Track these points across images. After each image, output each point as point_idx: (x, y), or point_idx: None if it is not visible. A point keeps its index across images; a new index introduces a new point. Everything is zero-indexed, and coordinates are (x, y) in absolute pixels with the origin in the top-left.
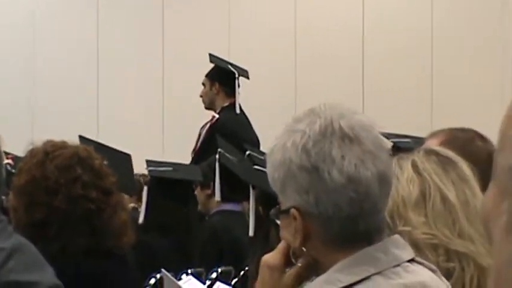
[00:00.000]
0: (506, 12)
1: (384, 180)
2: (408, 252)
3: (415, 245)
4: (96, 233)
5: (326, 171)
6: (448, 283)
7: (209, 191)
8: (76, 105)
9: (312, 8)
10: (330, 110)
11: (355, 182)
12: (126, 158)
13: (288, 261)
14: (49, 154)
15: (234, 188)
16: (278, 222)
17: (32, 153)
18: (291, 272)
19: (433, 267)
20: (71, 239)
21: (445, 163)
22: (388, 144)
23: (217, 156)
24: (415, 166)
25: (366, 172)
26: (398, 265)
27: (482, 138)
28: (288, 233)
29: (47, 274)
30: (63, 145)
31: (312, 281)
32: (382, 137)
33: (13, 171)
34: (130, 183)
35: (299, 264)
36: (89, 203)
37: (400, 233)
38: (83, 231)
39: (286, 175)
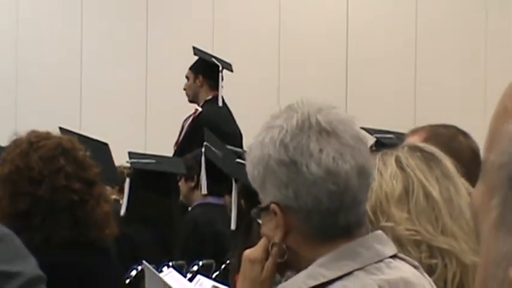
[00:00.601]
0: (490, 16)
1: (363, 173)
2: (391, 248)
3: (398, 241)
4: (79, 225)
5: (304, 165)
6: (430, 279)
7: (192, 184)
8: (59, 97)
9: (297, 2)
10: (308, 106)
11: (334, 174)
12: (105, 148)
13: (267, 255)
14: (33, 144)
15: (217, 181)
16: (260, 221)
17: (16, 143)
18: (267, 265)
19: (416, 263)
20: (54, 230)
21: (429, 159)
22: (367, 138)
23: (203, 149)
24: (398, 162)
25: (345, 165)
26: (380, 261)
27: (464, 134)
28: (269, 229)
29: (30, 265)
30: (47, 136)
31: (292, 275)
32: (360, 130)
33: None
34: (112, 174)
35: (274, 256)
36: (72, 194)
37: (383, 229)
38: (66, 222)
39: (265, 171)
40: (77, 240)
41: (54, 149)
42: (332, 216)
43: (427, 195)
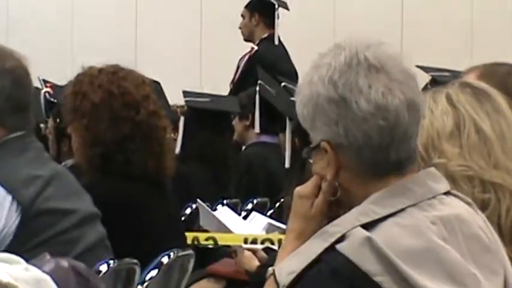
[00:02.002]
0: None
1: (413, 108)
2: (444, 185)
3: (451, 177)
4: (162, 152)
5: (354, 101)
6: (483, 216)
7: (247, 122)
8: (114, 37)
9: None
10: (356, 43)
11: (384, 110)
12: (157, 86)
13: (319, 192)
14: (118, 72)
15: (272, 120)
16: (311, 160)
17: (85, 75)
18: (317, 202)
19: (469, 200)
20: (145, 158)
21: (479, 95)
22: (416, 73)
23: (257, 88)
24: (449, 98)
25: (394, 100)
26: (433, 197)
27: None
28: (320, 168)
29: (85, 202)
30: (120, 67)
31: (343, 214)
32: (410, 66)
33: (52, 100)
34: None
35: (326, 194)
36: (161, 120)
37: (435, 166)
38: (154, 150)
39: (315, 109)
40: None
41: (138, 77)
42: (383, 152)
43: (479, 130)
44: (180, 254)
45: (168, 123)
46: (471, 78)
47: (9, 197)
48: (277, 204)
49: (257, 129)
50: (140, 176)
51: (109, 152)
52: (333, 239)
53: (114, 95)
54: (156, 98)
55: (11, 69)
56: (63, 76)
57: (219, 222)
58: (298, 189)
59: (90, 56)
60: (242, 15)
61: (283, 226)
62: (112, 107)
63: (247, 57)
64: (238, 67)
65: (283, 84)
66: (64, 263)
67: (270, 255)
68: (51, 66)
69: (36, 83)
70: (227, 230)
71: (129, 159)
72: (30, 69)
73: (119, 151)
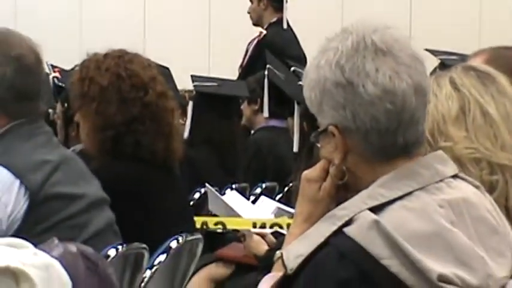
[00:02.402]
0: None
1: (420, 91)
2: (451, 168)
3: (458, 160)
4: (170, 134)
5: (361, 85)
6: (491, 199)
7: (256, 107)
8: (122, 20)
9: None
10: (363, 27)
11: (391, 93)
12: (166, 72)
13: (327, 176)
14: (123, 56)
15: (280, 104)
16: (319, 145)
17: (95, 59)
18: (325, 185)
19: (477, 183)
20: (154, 140)
21: (483, 78)
22: (423, 57)
23: (265, 72)
24: (453, 82)
25: (401, 83)
26: (441, 180)
27: None
28: (328, 152)
29: (93, 187)
30: (125, 51)
31: (351, 197)
32: (417, 49)
33: (60, 84)
34: (176, 96)
35: (333, 177)
36: (169, 101)
37: (442, 149)
38: (163, 131)
39: (322, 93)
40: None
41: (144, 59)
42: (390, 136)
43: (484, 112)
44: (188, 238)
45: (175, 105)
46: (478, 62)
47: (17, 182)
48: (286, 189)
49: (266, 113)
50: (150, 159)
51: (119, 134)
52: (340, 223)
53: (122, 77)
54: (163, 80)
55: (17, 57)
56: (71, 61)
57: (228, 206)
58: (306, 173)
59: (98, 41)
60: (250, 0)
61: (291, 210)
62: (120, 89)
63: (255, 41)
64: (246, 52)
65: (292, 68)
66: (72, 247)
67: (279, 240)
68: (59, 51)
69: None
70: (236, 215)
71: (139, 141)
72: (42, 58)
73: (128, 133)
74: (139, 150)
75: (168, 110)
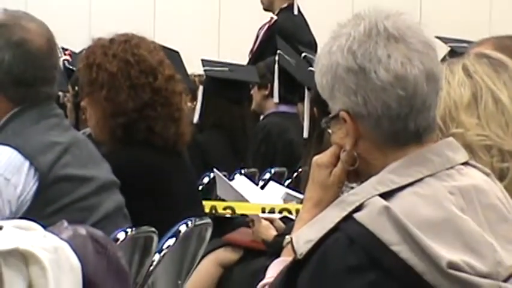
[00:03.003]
0: None
1: (432, 78)
2: (462, 155)
3: (469, 147)
4: (179, 118)
5: (373, 71)
6: (501, 186)
7: (266, 92)
8: (133, 5)
9: None
10: (375, 13)
11: (403, 79)
12: (176, 55)
13: (338, 162)
14: (130, 41)
15: (291, 90)
16: (330, 131)
17: (101, 44)
18: (336, 170)
19: (487, 170)
20: (165, 125)
21: (496, 65)
22: (435, 44)
23: (276, 57)
24: (465, 69)
25: (413, 69)
26: (452, 167)
27: None
28: (339, 138)
29: (103, 170)
30: (131, 35)
31: (361, 183)
32: (429, 36)
33: (71, 67)
34: (185, 80)
35: (344, 163)
36: (178, 85)
37: (453, 136)
38: (174, 116)
39: (333, 79)
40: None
41: (150, 43)
42: (402, 122)
43: (496, 100)
44: (197, 222)
45: (183, 88)
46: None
47: (27, 163)
48: (295, 174)
49: (276, 98)
50: (160, 145)
51: (131, 121)
52: (350, 208)
53: (130, 63)
54: (170, 63)
55: (18, 43)
56: (80, 44)
57: (236, 192)
58: (317, 158)
59: (108, 24)
60: None
61: (300, 196)
62: (130, 76)
63: (266, 27)
64: (257, 37)
65: (304, 54)
66: (82, 230)
67: (287, 225)
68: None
69: None
70: (244, 200)
71: (151, 127)
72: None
73: (140, 119)
74: (151, 137)
75: (177, 93)
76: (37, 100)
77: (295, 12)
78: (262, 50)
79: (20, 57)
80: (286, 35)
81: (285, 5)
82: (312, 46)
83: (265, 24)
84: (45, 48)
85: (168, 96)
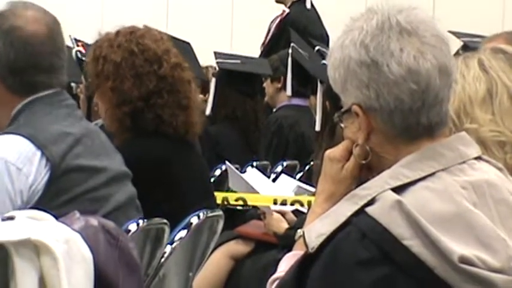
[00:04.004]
0: None
1: (445, 72)
2: (475, 150)
3: (482, 143)
4: (189, 107)
5: (385, 65)
6: None
7: (279, 85)
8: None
9: None
10: (388, 7)
11: (415, 73)
12: (187, 47)
13: (350, 156)
14: (135, 32)
15: (303, 83)
16: (342, 125)
17: (108, 37)
18: (348, 165)
19: (500, 165)
20: (174, 112)
21: None
22: (448, 38)
23: (289, 51)
24: (481, 64)
25: (426, 63)
26: (464, 162)
27: None
28: (352, 132)
29: (115, 161)
30: (137, 27)
31: (373, 177)
32: (442, 30)
33: (84, 58)
34: (197, 71)
35: (357, 157)
36: (185, 72)
37: (467, 131)
38: (182, 103)
39: (346, 73)
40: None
41: (156, 33)
42: (414, 116)
43: (511, 96)
44: (209, 214)
45: (192, 76)
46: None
47: (39, 153)
48: (307, 167)
49: (289, 92)
50: (171, 134)
51: (138, 110)
52: (362, 202)
53: (134, 53)
54: (177, 52)
55: (7, 30)
56: (93, 35)
57: (248, 184)
58: (329, 152)
59: (120, 17)
60: None
61: (312, 189)
62: (134, 64)
63: (278, 20)
64: (269, 30)
65: (317, 47)
66: (93, 221)
67: (299, 218)
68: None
69: (68, 42)
70: (256, 193)
71: (159, 115)
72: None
73: (147, 108)
74: (160, 125)
75: (184, 81)
76: (37, 89)
77: (308, 6)
78: (274, 42)
79: (10, 44)
80: (298, 28)
81: None
82: (324, 40)
83: (277, 17)
84: (41, 35)
85: (175, 83)
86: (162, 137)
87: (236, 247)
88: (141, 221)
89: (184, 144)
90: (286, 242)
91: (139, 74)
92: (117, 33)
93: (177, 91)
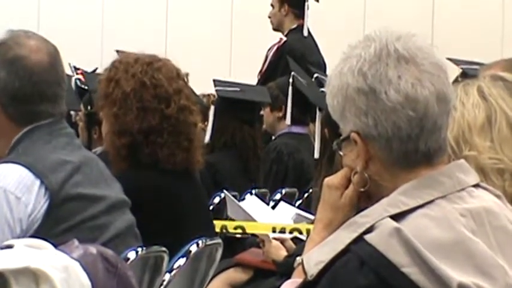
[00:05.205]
0: None
1: (443, 99)
2: (473, 177)
3: (481, 170)
4: (192, 147)
5: (383, 92)
6: None
7: (280, 114)
8: (145, 24)
9: None
10: (386, 34)
11: (413, 100)
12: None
13: (349, 184)
14: (153, 63)
15: (303, 111)
16: (341, 153)
17: (118, 63)
18: (347, 193)
19: (498, 192)
20: (172, 152)
21: (511, 88)
22: (446, 65)
23: (290, 79)
24: (480, 91)
25: (424, 90)
26: (463, 189)
27: None
28: (350, 160)
29: (114, 189)
30: (155, 57)
31: (372, 205)
32: (440, 58)
33: (83, 86)
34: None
35: (356, 185)
36: (192, 116)
37: (466, 158)
38: (184, 144)
39: (344, 100)
40: (172, 164)
41: (173, 69)
42: (412, 143)
43: (510, 123)
44: (208, 243)
45: (199, 119)
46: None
47: (38, 182)
48: (306, 195)
49: (288, 121)
50: (169, 169)
51: (136, 143)
52: (361, 230)
53: (146, 85)
54: (189, 93)
55: (12, 59)
56: (92, 63)
57: (246, 213)
58: (328, 180)
59: (119, 44)
60: (272, 5)
61: (311, 217)
62: (142, 98)
63: (275, 47)
64: (266, 58)
65: (316, 75)
66: (92, 249)
67: (298, 246)
68: (81, 54)
69: (67, 70)
70: (254, 221)
71: (156, 153)
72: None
73: (145, 143)
74: (156, 162)
75: (189, 124)
76: (39, 118)
77: (305, 33)
78: (271, 70)
79: (15, 73)
80: (296, 55)
81: (295, 25)
82: (322, 67)
83: (274, 45)
84: (44, 64)
85: (178, 125)
86: (159, 169)
87: (235, 275)
88: (140, 249)
89: (183, 174)
90: (285, 269)
91: (145, 108)
92: (136, 59)
93: (179, 133)
